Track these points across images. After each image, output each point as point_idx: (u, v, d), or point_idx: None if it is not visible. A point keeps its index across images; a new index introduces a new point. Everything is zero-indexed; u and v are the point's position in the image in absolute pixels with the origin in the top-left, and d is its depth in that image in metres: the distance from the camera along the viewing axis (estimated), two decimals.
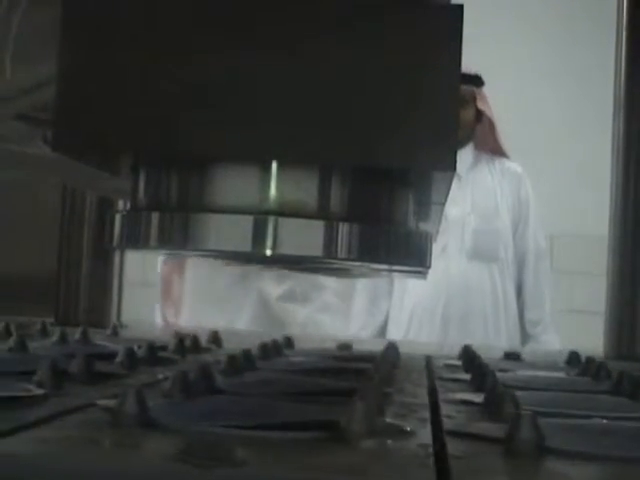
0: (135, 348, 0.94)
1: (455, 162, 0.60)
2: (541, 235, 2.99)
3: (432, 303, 2.88)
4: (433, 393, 0.85)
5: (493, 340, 2.82)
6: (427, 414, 0.70)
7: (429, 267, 0.68)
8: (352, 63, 0.60)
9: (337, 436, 0.56)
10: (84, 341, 1.11)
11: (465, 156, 2.91)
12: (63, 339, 1.10)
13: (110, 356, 0.93)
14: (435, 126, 0.60)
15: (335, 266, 0.75)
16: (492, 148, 2.97)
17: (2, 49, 1.31)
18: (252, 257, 0.73)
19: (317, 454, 0.53)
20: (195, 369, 0.75)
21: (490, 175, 2.99)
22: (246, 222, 0.61)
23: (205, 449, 0.51)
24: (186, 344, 1.11)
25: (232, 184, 0.63)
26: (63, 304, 1.57)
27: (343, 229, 0.62)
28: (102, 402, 0.64)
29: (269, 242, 0.61)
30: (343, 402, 0.60)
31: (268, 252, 0.61)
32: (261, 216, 0.62)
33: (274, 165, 0.62)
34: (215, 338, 1.27)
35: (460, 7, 0.61)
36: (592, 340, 1.63)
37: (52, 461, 0.51)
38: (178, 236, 0.64)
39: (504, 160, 3.00)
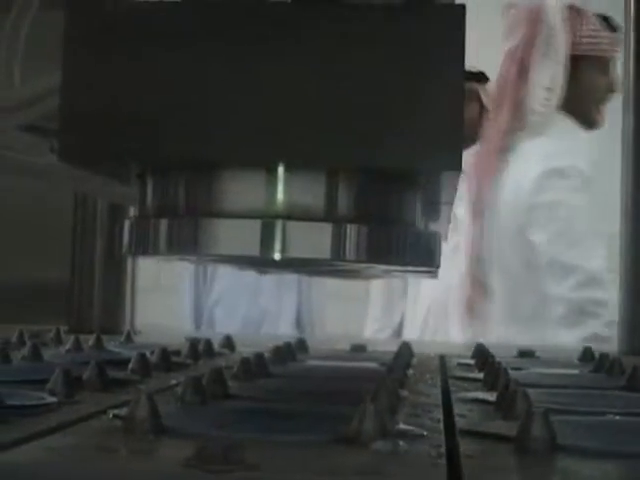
0: (148, 354, 0.94)
1: (461, 162, 0.60)
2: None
3: (447, 300, 2.87)
4: (446, 392, 0.85)
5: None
6: (440, 414, 0.70)
7: (439, 267, 0.68)
8: (355, 65, 0.60)
9: (349, 438, 0.56)
10: (97, 348, 1.12)
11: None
12: (76, 346, 1.10)
13: (123, 363, 0.93)
14: (440, 126, 0.60)
15: (344, 268, 0.75)
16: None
17: (10, 59, 1.32)
18: (261, 261, 0.73)
19: (328, 456, 0.54)
20: (207, 374, 0.75)
21: None
22: (254, 226, 0.62)
23: (217, 454, 0.51)
24: (199, 349, 1.11)
25: (239, 189, 0.63)
26: (77, 311, 1.57)
27: (351, 231, 0.62)
28: (114, 409, 0.64)
29: (278, 246, 0.61)
30: (355, 404, 0.60)
31: (277, 256, 0.61)
32: (269, 220, 0.62)
33: (281, 169, 0.62)
34: (228, 343, 1.27)
35: (462, 7, 0.61)
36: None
37: (65, 469, 0.51)
38: (187, 242, 0.64)
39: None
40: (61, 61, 0.63)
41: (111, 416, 0.63)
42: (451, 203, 0.80)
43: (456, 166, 0.60)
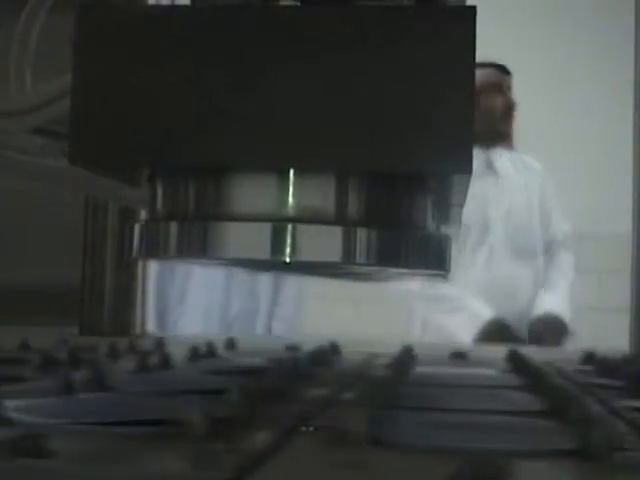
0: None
1: (472, 165, 0.60)
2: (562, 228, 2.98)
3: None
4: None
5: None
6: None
7: (449, 270, 0.67)
8: (365, 69, 0.60)
9: (172, 431, 0.54)
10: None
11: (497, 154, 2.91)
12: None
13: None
14: (451, 129, 0.60)
15: (354, 271, 0.75)
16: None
17: (22, 62, 1.32)
18: (271, 264, 0.73)
19: (139, 447, 0.52)
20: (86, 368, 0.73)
21: (515, 170, 2.98)
22: (265, 229, 0.61)
23: (21, 442, 0.48)
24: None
25: (249, 192, 0.63)
26: (87, 314, 1.57)
27: (361, 234, 0.62)
28: None
29: (288, 249, 0.61)
30: (211, 401, 0.58)
31: (287, 259, 0.61)
32: (279, 223, 0.61)
33: (291, 172, 0.62)
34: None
35: (473, 8, 0.60)
36: (619, 338, 1.62)
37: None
38: (197, 245, 0.64)
39: (521, 155, 2.99)
40: (71, 64, 0.63)
41: None
42: (462, 205, 0.80)
43: (466, 169, 0.60)
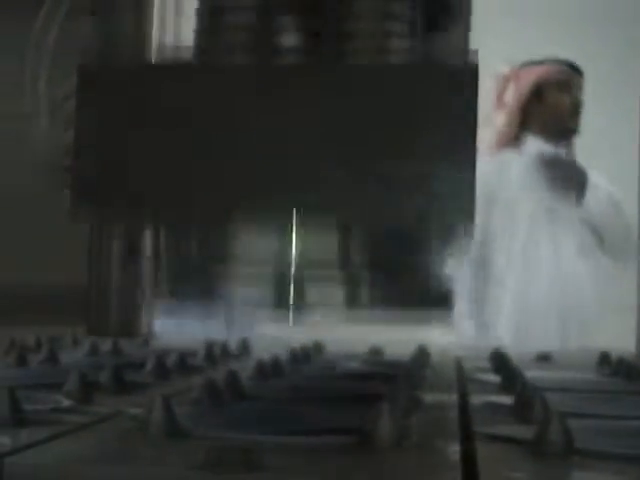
0: (164, 357, 0.94)
1: (474, 216, 0.59)
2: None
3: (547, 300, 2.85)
4: (463, 396, 0.84)
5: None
6: (456, 416, 0.70)
7: (451, 308, 0.67)
8: (369, 127, 0.59)
9: (363, 441, 0.56)
10: (114, 352, 1.12)
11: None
12: (93, 350, 1.10)
13: (140, 366, 0.93)
14: (454, 183, 0.59)
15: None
16: None
17: (36, 66, 1.33)
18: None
19: (342, 460, 0.53)
20: (223, 376, 0.75)
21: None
22: (268, 277, 0.60)
23: (230, 456, 0.51)
24: (215, 352, 1.11)
25: (252, 242, 0.62)
26: (94, 314, 1.58)
27: (365, 279, 0.61)
28: (130, 411, 0.64)
29: (291, 294, 0.60)
30: (370, 408, 0.60)
31: (291, 303, 0.60)
32: (283, 271, 0.60)
33: (295, 224, 0.61)
34: (245, 345, 1.27)
35: (475, 66, 0.60)
36: (627, 338, 1.61)
37: (80, 472, 0.51)
38: (201, 289, 0.62)
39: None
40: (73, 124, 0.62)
41: (128, 418, 0.63)
42: (466, 245, 0.80)
43: (469, 218, 0.60)
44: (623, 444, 0.59)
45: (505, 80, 2.98)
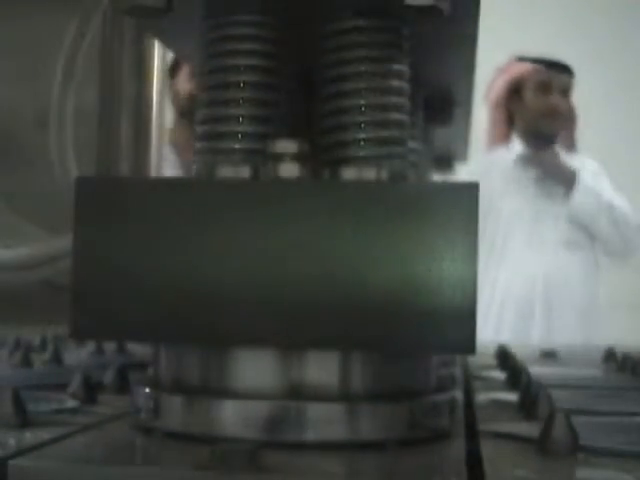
0: None
1: (475, 344, 0.58)
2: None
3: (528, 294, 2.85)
4: (467, 392, 0.84)
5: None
6: (461, 414, 0.70)
7: (451, 426, 0.66)
8: (367, 248, 0.58)
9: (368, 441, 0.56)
10: (119, 351, 1.12)
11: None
12: (98, 350, 1.10)
13: (144, 366, 0.93)
14: (454, 310, 0.58)
15: None
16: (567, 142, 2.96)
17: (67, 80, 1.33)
18: None
19: (346, 460, 0.53)
20: None
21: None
22: (266, 407, 0.59)
23: (233, 456, 0.51)
24: None
25: (252, 369, 0.61)
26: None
27: (366, 409, 0.60)
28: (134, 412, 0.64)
29: (289, 427, 0.59)
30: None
31: (288, 438, 0.59)
32: (281, 401, 0.59)
33: (293, 351, 0.60)
34: None
35: (476, 186, 0.59)
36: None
37: (85, 472, 0.51)
38: (199, 420, 0.61)
39: (578, 155, 2.98)
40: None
41: (131, 419, 0.63)
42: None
43: (470, 349, 0.59)
44: (629, 441, 0.59)
45: (494, 76, 2.96)
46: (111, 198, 0.61)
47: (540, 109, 2.88)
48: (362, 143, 0.64)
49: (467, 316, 0.58)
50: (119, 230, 0.60)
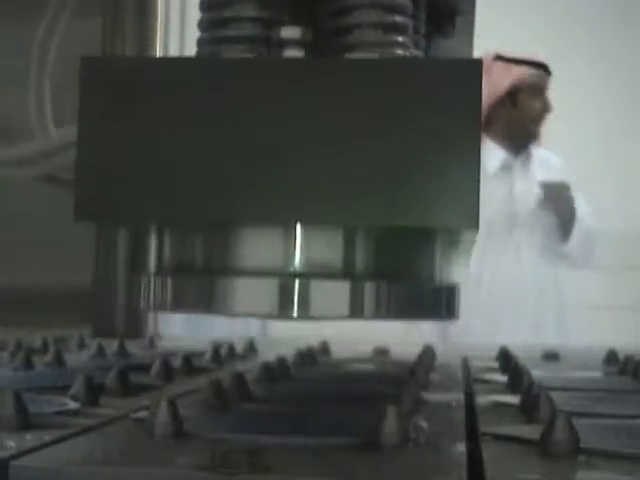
0: (170, 359, 0.94)
1: (478, 220, 0.58)
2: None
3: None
4: (469, 395, 0.84)
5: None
6: (462, 416, 0.70)
7: (457, 318, 0.66)
8: (370, 123, 0.58)
9: (369, 443, 0.56)
10: (120, 353, 1.12)
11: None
12: (99, 352, 1.10)
13: (146, 367, 0.93)
14: (458, 184, 0.58)
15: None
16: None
17: (42, 110, 1.32)
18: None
19: (348, 460, 0.53)
20: (229, 378, 0.75)
21: (537, 166, 2.96)
22: (272, 285, 0.59)
23: (237, 458, 0.51)
24: (222, 353, 1.11)
25: (257, 247, 0.61)
26: (100, 316, 1.58)
27: (370, 288, 0.60)
28: (135, 414, 0.64)
29: (295, 305, 0.59)
30: (377, 408, 0.60)
31: (294, 315, 0.60)
32: (287, 278, 0.59)
33: (298, 227, 0.60)
34: (251, 346, 1.27)
35: (479, 61, 0.59)
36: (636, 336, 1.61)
37: (87, 474, 0.51)
38: (204, 300, 0.62)
39: (540, 149, 2.98)
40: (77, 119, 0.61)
41: (133, 420, 0.63)
42: (469, 254, 0.79)
43: (473, 224, 0.59)
44: (630, 443, 0.59)
45: (497, 74, 2.94)
46: (114, 77, 0.61)
47: (534, 112, 2.88)
48: (366, 29, 0.63)
49: (470, 190, 0.58)
50: (123, 109, 0.60)
